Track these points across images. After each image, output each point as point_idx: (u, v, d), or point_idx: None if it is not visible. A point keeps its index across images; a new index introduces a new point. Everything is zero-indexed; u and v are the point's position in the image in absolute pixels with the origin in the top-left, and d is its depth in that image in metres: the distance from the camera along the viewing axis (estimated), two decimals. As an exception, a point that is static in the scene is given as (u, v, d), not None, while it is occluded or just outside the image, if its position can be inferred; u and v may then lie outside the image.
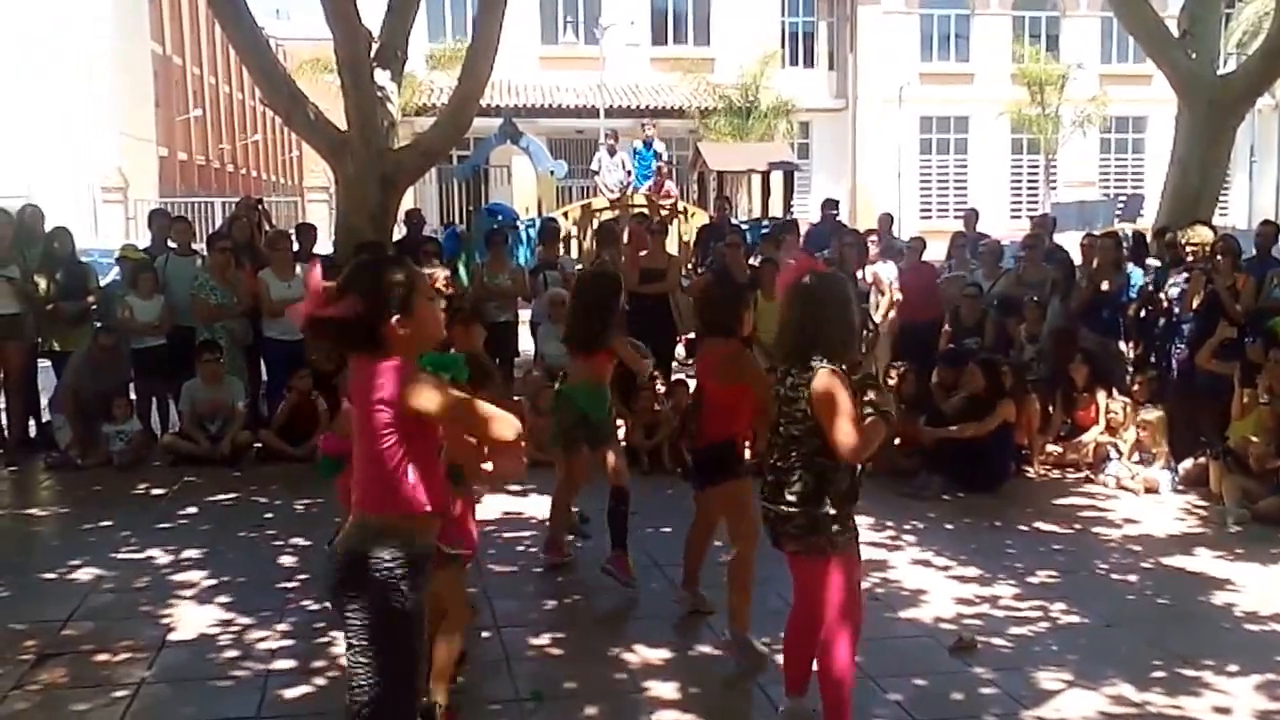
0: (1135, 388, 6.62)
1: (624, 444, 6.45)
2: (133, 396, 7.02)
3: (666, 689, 3.45)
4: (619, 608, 4.24)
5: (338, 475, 2.78)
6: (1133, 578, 4.64)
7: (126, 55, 26.59)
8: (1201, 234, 6.88)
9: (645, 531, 5.08)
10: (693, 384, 7.10)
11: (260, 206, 8.59)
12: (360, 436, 2.21)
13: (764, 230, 10.68)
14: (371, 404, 2.14)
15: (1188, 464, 6.19)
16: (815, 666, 2.97)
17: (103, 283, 7.42)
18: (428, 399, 2.12)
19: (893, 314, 7.82)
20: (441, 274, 4.89)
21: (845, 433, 2.71)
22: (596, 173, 12.92)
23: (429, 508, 2.21)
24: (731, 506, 3.67)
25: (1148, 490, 6.08)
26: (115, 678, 3.51)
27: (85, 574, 4.53)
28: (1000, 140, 23.96)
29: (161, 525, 5.31)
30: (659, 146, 12.93)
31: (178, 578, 4.50)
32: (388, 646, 2.18)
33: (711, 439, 3.65)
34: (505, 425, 2.21)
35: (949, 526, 5.40)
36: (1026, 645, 3.83)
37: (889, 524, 5.31)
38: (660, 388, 6.94)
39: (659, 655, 3.70)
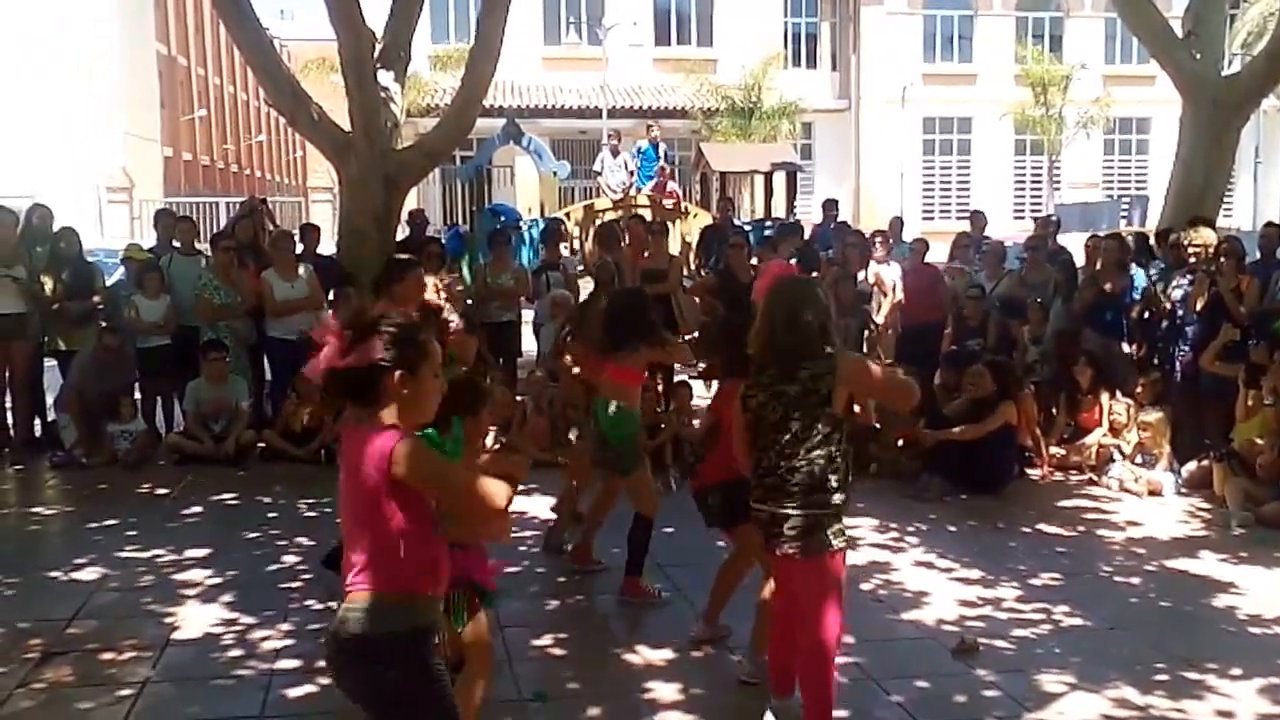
0: (1139, 390, 6.61)
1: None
2: (137, 396, 7.04)
3: (669, 690, 3.46)
4: (621, 608, 4.24)
5: None
6: (1136, 580, 4.64)
7: (131, 56, 26.63)
8: (1204, 235, 6.87)
9: (648, 532, 5.10)
10: (692, 386, 7.17)
11: (264, 207, 8.60)
12: (351, 506, 2.13)
13: (766, 231, 10.69)
14: (362, 472, 2.07)
15: (1191, 466, 6.17)
16: (799, 676, 2.97)
17: (108, 283, 7.44)
18: (412, 468, 2.04)
19: (891, 317, 7.82)
20: (432, 281, 4.83)
21: (897, 381, 2.94)
22: (599, 173, 12.93)
23: (428, 590, 2.13)
24: (755, 544, 3.61)
25: (1151, 493, 6.07)
26: (119, 676, 3.52)
27: (90, 573, 4.54)
28: (1003, 141, 23.94)
29: (166, 524, 5.33)
30: (664, 148, 12.94)
31: (182, 577, 4.51)
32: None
33: (720, 478, 3.54)
34: (495, 496, 2.12)
35: (952, 528, 5.39)
36: (1029, 647, 3.83)
37: (892, 526, 5.29)
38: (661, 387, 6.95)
39: (661, 656, 3.71)
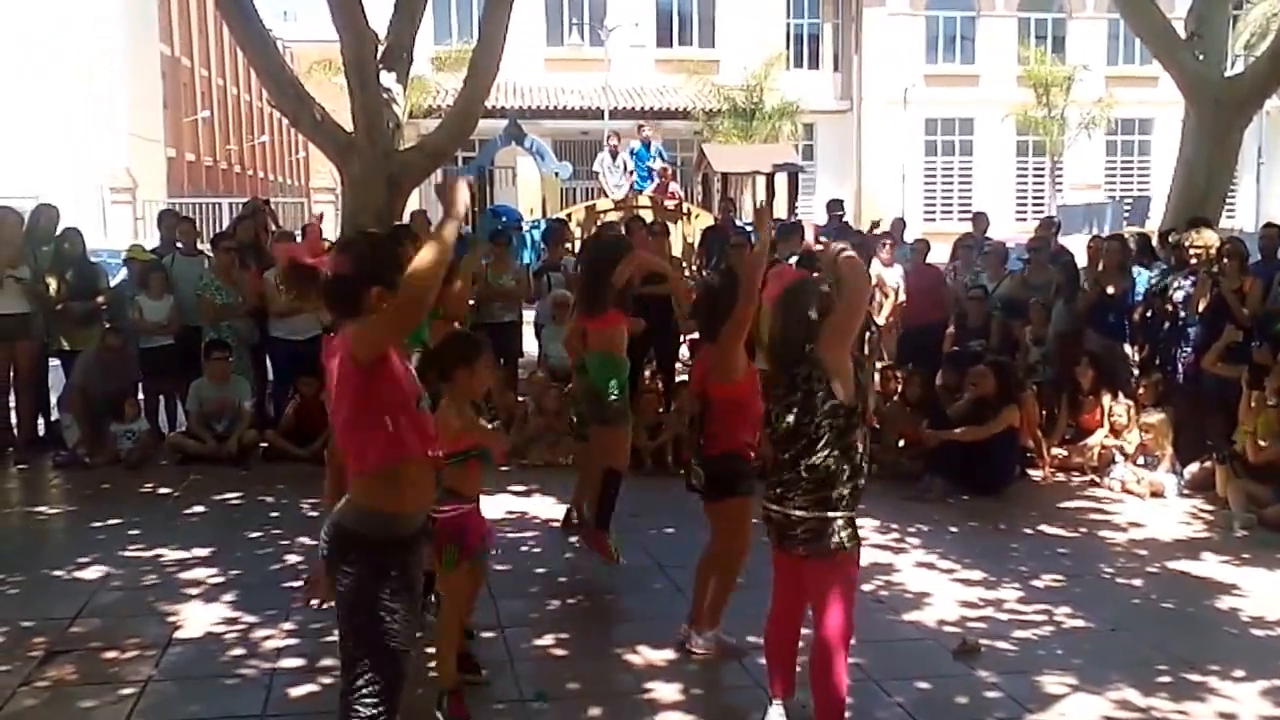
0: (1140, 391, 6.61)
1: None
2: (140, 396, 7.05)
3: (669, 690, 3.46)
4: (622, 608, 4.26)
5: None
6: (1138, 582, 4.63)
7: (136, 57, 26.69)
8: (1206, 237, 6.86)
9: (649, 533, 5.10)
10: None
11: (267, 207, 8.62)
12: (340, 405, 2.25)
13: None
14: (342, 368, 2.20)
15: (1194, 468, 6.17)
16: (810, 676, 2.98)
17: (112, 283, 7.47)
18: (360, 335, 2.14)
19: (893, 318, 7.82)
20: None
21: (849, 283, 2.84)
22: (599, 174, 12.95)
23: (421, 450, 2.24)
24: (732, 524, 3.65)
25: (1153, 494, 6.06)
26: (122, 675, 3.53)
27: (93, 572, 4.56)
28: (1005, 142, 23.91)
29: (169, 524, 5.34)
30: (656, 147, 12.94)
31: (185, 576, 4.52)
32: (361, 626, 2.22)
33: (722, 447, 3.60)
34: (425, 267, 2.10)
35: (953, 529, 5.40)
36: (1031, 649, 3.83)
37: (893, 526, 5.31)
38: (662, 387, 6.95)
39: (662, 656, 3.71)
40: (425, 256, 2.12)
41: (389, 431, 2.18)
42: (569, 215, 12.25)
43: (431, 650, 3.35)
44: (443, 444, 3.25)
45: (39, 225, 7.18)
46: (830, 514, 2.84)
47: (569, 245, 9.29)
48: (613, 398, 4.28)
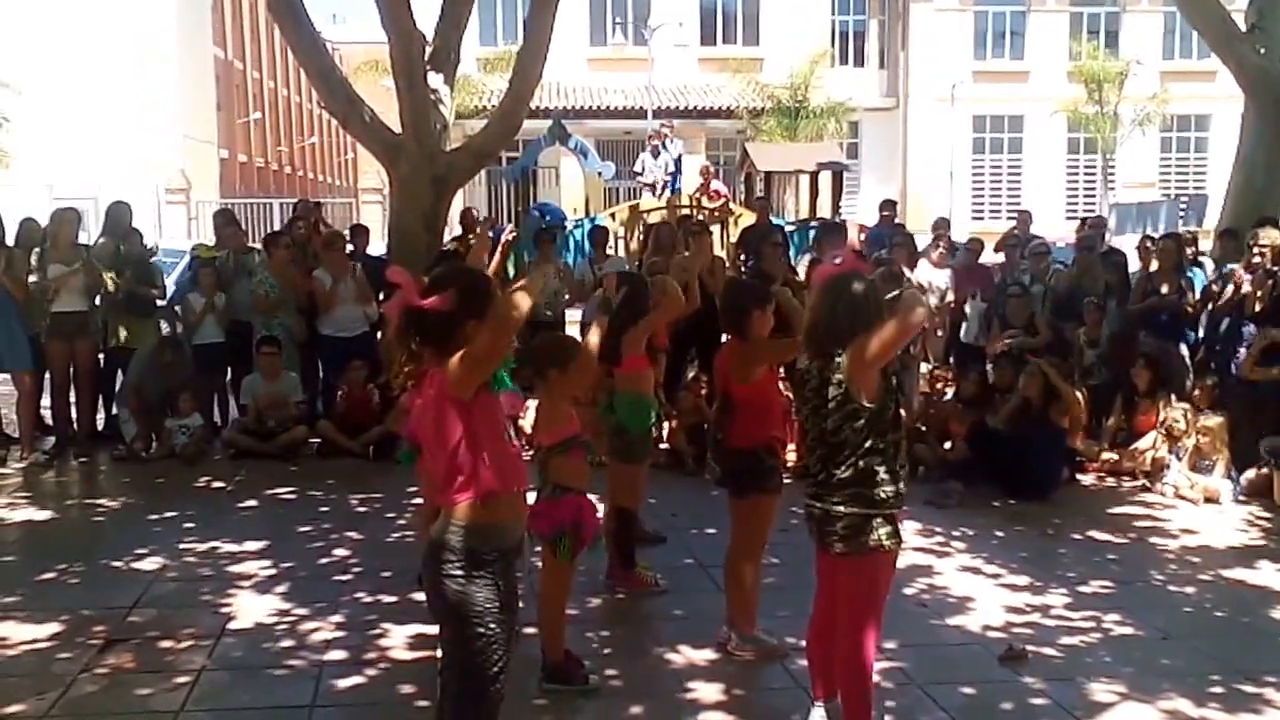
0: (1196, 393, 6.43)
1: (667, 445, 6.49)
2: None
3: (710, 690, 3.47)
4: (664, 607, 4.27)
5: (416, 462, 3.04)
6: (1190, 589, 4.52)
7: (190, 60, 27.44)
8: (1271, 235, 6.65)
9: (690, 533, 5.11)
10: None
11: (317, 210, 8.81)
12: (434, 437, 2.37)
13: (812, 231, 10.62)
14: (439, 400, 2.31)
15: (1250, 473, 5.99)
16: (835, 670, 2.98)
17: (168, 280, 7.71)
18: (455, 369, 2.26)
19: (939, 319, 7.71)
20: None
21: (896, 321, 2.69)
22: (639, 174, 12.99)
23: (504, 484, 2.34)
24: (751, 522, 3.64)
25: (1207, 500, 5.90)
26: (177, 664, 3.64)
27: (150, 563, 4.70)
28: (1056, 139, 23.39)
29: (222, 517, 5.48)
30: (677, 147, 12.93)
31: (237, 568, 4.64)
32: (469, 638, 2.34)
33: (743, 444, 3.60)
34: (514, 308, 2.30)
35: (999, 534, 5.31)
36: (1079, 656, 3.76)
37: (937, 530, 5.24)
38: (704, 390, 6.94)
39: (703, 656, 3.72)
40: (519, 300, 2.31)
41: (487, 463, 2.30)
42: (612, 215, 12.29)
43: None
44: (544, 436, 3.37)
45: (120, 221, 7.41)
46: (870, 511, 2.81)
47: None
48: (636, 433, 4.27)
